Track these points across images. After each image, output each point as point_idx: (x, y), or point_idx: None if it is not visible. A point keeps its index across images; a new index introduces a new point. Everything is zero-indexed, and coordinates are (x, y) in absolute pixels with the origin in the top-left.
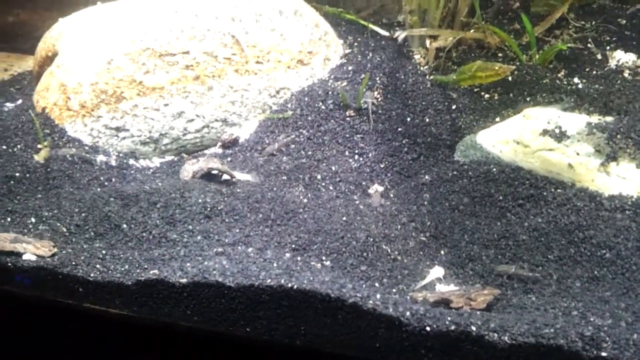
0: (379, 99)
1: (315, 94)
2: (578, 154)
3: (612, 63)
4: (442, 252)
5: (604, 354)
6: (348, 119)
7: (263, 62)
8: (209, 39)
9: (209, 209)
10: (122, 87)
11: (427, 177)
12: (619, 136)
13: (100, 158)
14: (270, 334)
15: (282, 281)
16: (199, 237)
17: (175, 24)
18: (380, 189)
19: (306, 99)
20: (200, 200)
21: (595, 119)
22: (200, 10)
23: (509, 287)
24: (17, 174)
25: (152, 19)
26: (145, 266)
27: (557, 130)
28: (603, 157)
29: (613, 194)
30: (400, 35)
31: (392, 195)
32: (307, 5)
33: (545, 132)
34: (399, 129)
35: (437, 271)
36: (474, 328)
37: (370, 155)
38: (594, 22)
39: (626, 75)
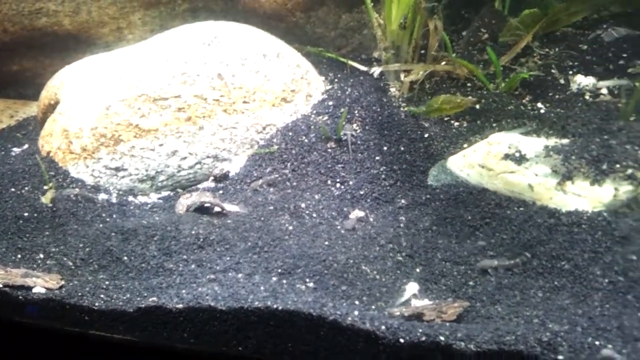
0: (358, 131)
1: (299, 129)
2: (537, 175)
3: (574, 87)
4: (418, 270)
5: (560, 357)
6: (329, 150)
7: (249, 101)
8: (199, 83)
9: (201, 239)
10: (119, 130)
11: (403, 201)
12: (573, 157)
13: (102, 196)
14: (261, 353)
15: (269, 303)
16: (193, 266)
17: (167, 70)
18: (361, 214)
19: (290, 133)
20: (193, 232)
21: (552, 141)
22: (190, 57)
23: (478, 300)
24: (26, 214)
25: (145, 67)
26: (145, 294)
27: (517, 154)
28: (559, 177)
29: (570, 210)
30: (376, 71)
31: (371, 220)
32: (289, 47)
33: (506, 156)
34: (377, 158)
35: (413, 287)
36: (442, 338)
37: (350, 183)
38: (557, 49)
39: (587, 97)
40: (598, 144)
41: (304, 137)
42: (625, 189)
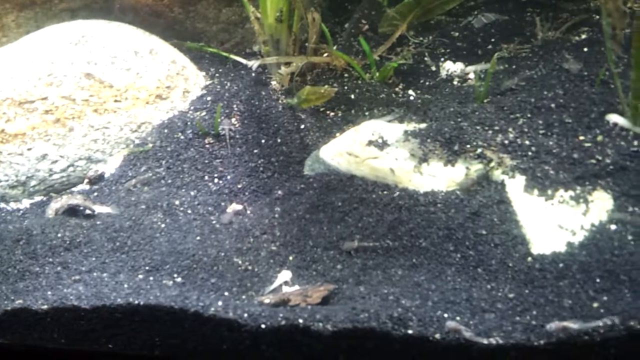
0: (237, 125)
1: (175, 126)
2: (397, 159)
3: (443, 73)
4: (291, 258)
5: (410, 331)
6: (207, 146)
7: (121, 100)
8: (66, 84)
9: (68, 242)
10: None
11: (280, 192)
12: (428, 140)
13: None
14: (132, 348)
15: (131, 299)
16: (58, 268)
17: (32, 72)
18: (239, 207)
19: (166, 131)
20: (59, 235)
21: (411, 126)
22: (56, 58)
23: (345, 282)
24: None
25: (10, 70)
26: (12, 297)
27: (379, 140)
28: (416, 159)
29: (427, 190)
30: (254, 64)
31: (249, 212)
32: (164, 43)
33: (370, 143)
34: (255, 151)
35: (285, 275)
36: (301, 321)
37: (229, 177)
38: (430, 37)
39: (455, 83)
40: (451, 127)
41: (180, 134)
42: (476, 168)
